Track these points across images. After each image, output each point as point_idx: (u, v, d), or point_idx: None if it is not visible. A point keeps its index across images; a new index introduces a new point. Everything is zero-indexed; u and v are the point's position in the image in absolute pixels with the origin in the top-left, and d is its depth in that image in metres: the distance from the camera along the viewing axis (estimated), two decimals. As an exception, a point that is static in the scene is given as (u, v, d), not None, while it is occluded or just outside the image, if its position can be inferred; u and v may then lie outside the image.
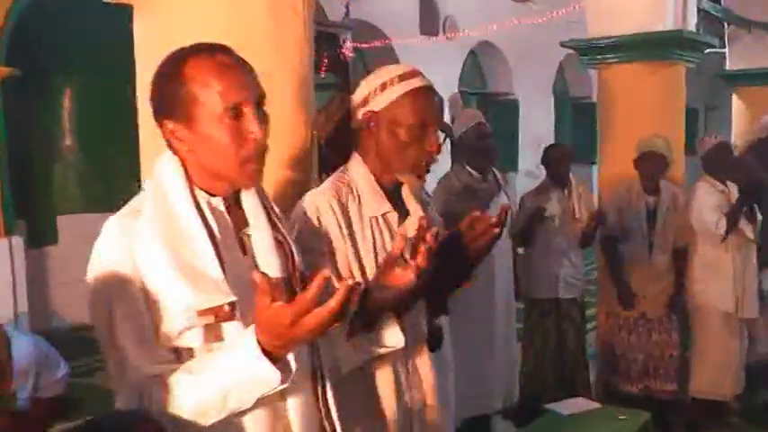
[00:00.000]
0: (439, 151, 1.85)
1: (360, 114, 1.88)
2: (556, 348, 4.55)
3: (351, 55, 7.78)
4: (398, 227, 1.86)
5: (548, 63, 11.81)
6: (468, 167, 4.25)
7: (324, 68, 7.91)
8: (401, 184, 1.92)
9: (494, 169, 4.36)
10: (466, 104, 10.84)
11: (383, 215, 1.87)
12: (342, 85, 7.86)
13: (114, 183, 6.61)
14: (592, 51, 4.92)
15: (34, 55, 6.66)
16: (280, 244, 1.52)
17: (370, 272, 1.79)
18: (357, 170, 1.89)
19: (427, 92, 1.87)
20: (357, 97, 1.90)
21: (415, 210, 1.91)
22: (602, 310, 4.82)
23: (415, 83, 1.86)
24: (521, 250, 4.70)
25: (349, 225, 1.81)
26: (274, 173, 2.03)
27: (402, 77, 1.86)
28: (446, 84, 8.91)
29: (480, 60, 11.37)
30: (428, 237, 1.53)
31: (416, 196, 1.96)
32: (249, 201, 1.51)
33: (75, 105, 7.30)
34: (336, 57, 7.72)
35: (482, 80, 11.63)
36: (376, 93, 1.87)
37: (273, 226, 1.53)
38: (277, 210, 1.57)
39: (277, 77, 2.09)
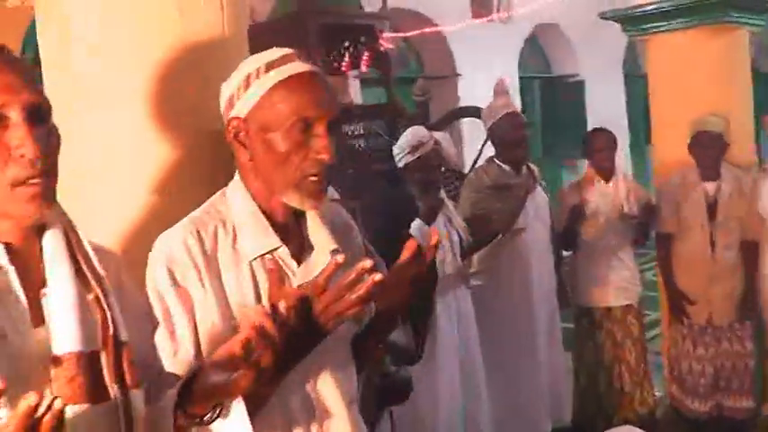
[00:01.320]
0: (331, 157, 1.35)
1: (227, 123, 1.42)
2: (611, 363, 3.99)
3: (390, 47, 7.30)
4: (300, 267, 1.41)
5: (615, 38, 11.01)
6: (498, 161, 3.78)
7: (366, 63, 7.49)
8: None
9: (528, 163, 3.87)
10: (527, 90, 10.26)
11: (270, 253, 1.39)
12: (384, 80, 7.41)
13: None
14: (636, 21, 4.30)
15: None
16: (92, 306, 1.12)
17: None
18: (234, 196, 1.44)
19: (308, 78, 1.39)
20: (222, 100, 1.44)
21: (323, 243, 1.43)
22: (664, 316, 4.22)
23: (288, 69, 1.38)
24: (566, 253, 4.18)
25: (216, 272, 1.36)
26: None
27: (270, 65, 1.39)
28: (506, 71, 8.34)
29: (541, 42, 10.71)
30: (359, 292, 1.17)
31: (332, 223, 1.49)
32: (50, 244, 1.13)
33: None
34: (377, 50, 7.26)
35: (545, 63, 10.97)
36: (240, 91, 1.40)
37: (84, 279, 1.13)
38: (92, 255, 1.16)
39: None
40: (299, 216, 1.45)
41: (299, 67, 1.39)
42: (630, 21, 4.36)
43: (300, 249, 1.43)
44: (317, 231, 1.45)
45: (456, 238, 3.48)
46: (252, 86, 1.39)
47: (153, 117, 1.70)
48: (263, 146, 1.38)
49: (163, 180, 1.71)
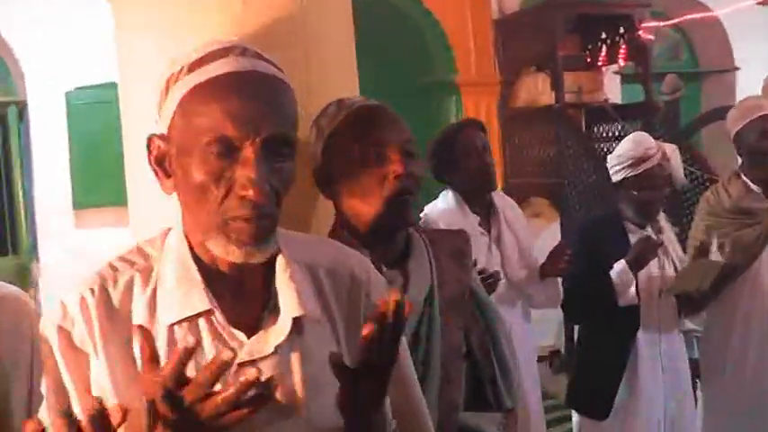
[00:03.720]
0: (259, 194, 0.97)
1: (147, 143, 1.10)
2: None
3: (650, 38, 6.48)
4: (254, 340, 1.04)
5: None
6: (744, 178, 3.03)
7: (623, 57, 6.76)
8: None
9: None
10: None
11: (192, 319, 1.02)
12: (642, 76, 6.63)
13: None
14: None
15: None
16: None
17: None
18: (172, 235, 1.10)
19: (237, 82, 1.01)
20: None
21: (287, 306, 1.05)
22: None
23: (213, 69, 1.01)
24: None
25: (122, 336, 1.02)
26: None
27: (195, 64, 1.03)
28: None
29: None
30: (226, 394, 0.85)
31: (319, 274, 1.12)
32: None
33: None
34: (637, 41, 6.50)
35: None
36: (162, 99, 1.06)
37: None
38: None
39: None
40: (268, 266, 1.08)
41: (228, 65, 1.01)
42: None
43: (258, 313, 1.07)
44: (283, 287, 1.07)
45: (671, 272, 2.85)
46: (170, 92, 1.04)
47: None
48: (181, 174, 1.03)
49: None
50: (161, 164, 1.07)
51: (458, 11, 6.55)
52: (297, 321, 1.05)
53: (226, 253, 1.01)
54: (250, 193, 0.97)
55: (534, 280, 2.96)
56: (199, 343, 0.96)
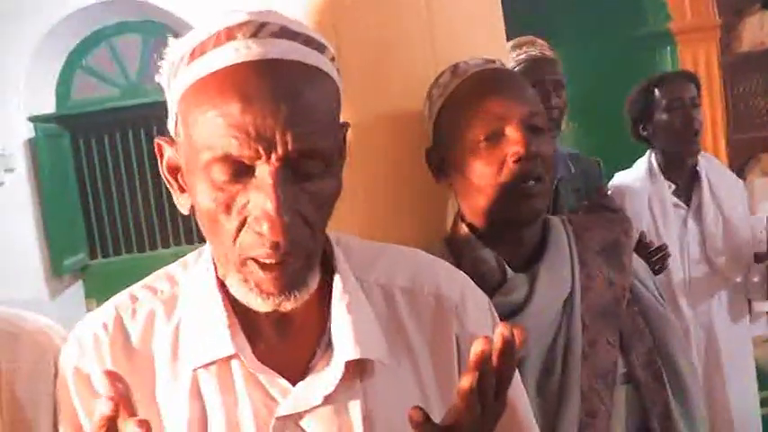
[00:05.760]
0: (281, 232, 0.75)
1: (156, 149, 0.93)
2: None
3: None
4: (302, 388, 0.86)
5: None
6: None
7: None
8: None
9: None
10: None
11: (227, 360, 0.85)
12: None
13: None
14: None
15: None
16: None
17: None
18: (200, 263, 0.92)
19: (247, 77, 0.75)
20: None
21: (342, 346, 0.85)
22: None
23: (216, 58, 0.77)
24: None
25: (145, 376, 0.87)
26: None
27: (195, 52, 0.79)
28: None
29: None
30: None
31: (391, 308, 0.91)
32: None
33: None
34: None
35: None
36: (168, 99, 0.86)
37: None
38: None
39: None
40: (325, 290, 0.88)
41: (232, 53, 0.75)
42: None
43: (310, 353, 0.87)
44: (337, 320, 0.85)
45: None
46: (171, 89, 0.83)
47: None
48: (191, 195, 0.83)
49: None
50: (175, 175, 0.86)
51: (668, -50, 6.06)
52: (359, 362, 0.84)
53: (246, 301, 0.82)
54: (266, 228, 0.75)
55: (743, 264, 2.52)
56: (231, 390, 0.82)
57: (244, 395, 0.84)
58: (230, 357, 0.84)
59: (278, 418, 0.82)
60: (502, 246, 1.22)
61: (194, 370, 0.85)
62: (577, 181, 2.42)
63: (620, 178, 2.69)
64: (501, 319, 0.99)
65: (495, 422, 0.75)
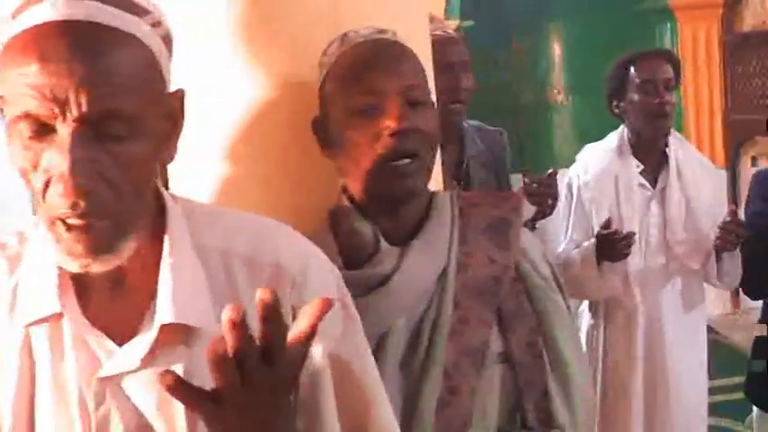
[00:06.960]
0: (76, 190, 0.76)
1: None
2: None
3: None
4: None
5: None
6: None
7: None
8: None
9: None
10: None
11: (58, 318, 0.87)
12: None
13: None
14: None
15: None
16: None
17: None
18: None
19: (49, 37, 0.77)
20: None
21: (161, 307, 0.87)
22: None
23: (28, 17, 0.79)
24: None
25: None
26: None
27: (17, 11, 0.80)
28: None
29: None
30: None
31: (221, 267, 0.91)
32: None
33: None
34: None
35: None
36: None
37: None
38: None
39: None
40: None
41: (42, 12, 0.77)
42: None
43: (141, 315, 0.87)
44: (162, 289, 0.85)
45: None
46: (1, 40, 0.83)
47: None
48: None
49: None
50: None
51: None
52: (183, 327, 0.84)
53: (58, 261, 0.83)
54: (60, 189, 0.76)
55: (702, 253, 2.44)
56: (60, 349, 0.82)
57: (71, 355, 0.85)
58: (61, 316, 0.85)
59: (99, 379, 0.84)
60: (382, 219, 1.21)
61: (26, 327, 0.86)
62: (484, 154, 2.44)
63: (590, 151, 2.65)
64: (367, 291, 1.12)
65: (283, 386, 0.74)
